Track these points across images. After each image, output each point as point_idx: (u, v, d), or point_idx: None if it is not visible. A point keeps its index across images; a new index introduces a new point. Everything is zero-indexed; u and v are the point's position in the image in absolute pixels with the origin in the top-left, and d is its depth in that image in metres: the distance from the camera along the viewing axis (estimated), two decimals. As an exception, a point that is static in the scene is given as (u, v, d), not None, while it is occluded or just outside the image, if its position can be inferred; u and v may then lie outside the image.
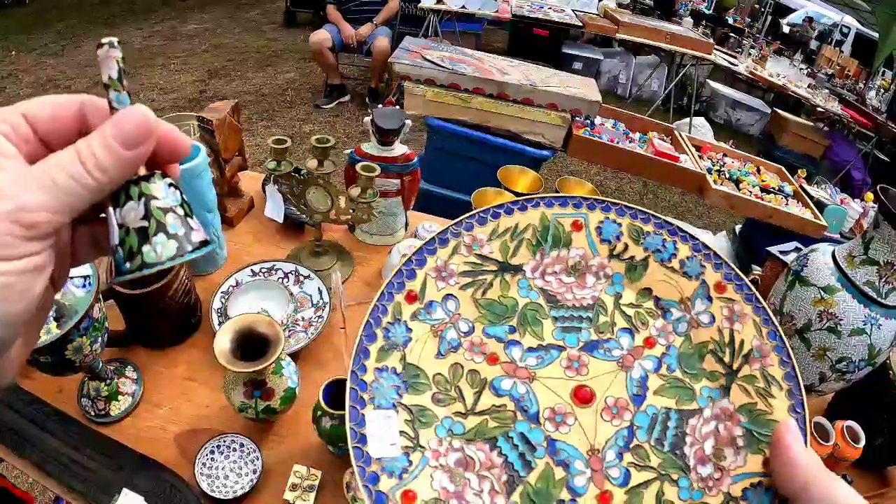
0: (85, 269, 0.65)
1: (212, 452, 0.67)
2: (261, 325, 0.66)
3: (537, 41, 4.15)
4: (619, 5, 4.66)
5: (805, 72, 4.64)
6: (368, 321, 0.36)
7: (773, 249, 0.98)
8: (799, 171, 2.63)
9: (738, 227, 2.59)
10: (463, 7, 3.60)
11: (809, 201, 2.25)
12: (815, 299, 0.77)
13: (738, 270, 0.37)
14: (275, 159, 0.88)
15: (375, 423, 0.33)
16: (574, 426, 0.36)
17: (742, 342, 0.36)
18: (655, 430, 0.36)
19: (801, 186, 2.36)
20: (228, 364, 0.61)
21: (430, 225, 1.12)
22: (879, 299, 0.74)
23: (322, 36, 3.36)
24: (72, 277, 0.64)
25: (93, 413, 0.72)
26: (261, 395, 0.66)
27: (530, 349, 0.39)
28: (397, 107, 0.97)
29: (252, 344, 0.66)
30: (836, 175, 4.01)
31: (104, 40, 0.24)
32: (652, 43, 3.77)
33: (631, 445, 0.36)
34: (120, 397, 0.74)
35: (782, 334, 0.35)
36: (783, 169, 2.45)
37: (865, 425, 0.85)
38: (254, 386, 0.66)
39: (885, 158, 4.51)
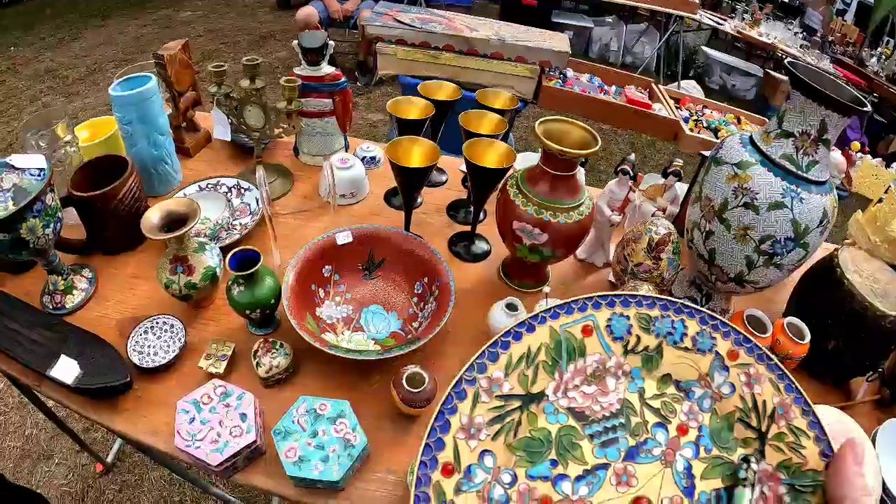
0: (41, 162, 0.71)
1: (145, 332, 0.73)
2: (181, 206, 0.72)
3: (527, 11, 4.15)
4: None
5: (800, 35, 4.56)
6: None
7: (706, 152, 0.98)
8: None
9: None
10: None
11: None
12: (728, 175, 0.77)
13: (744, 332, 0.38)
14: (215, 83, 0.94)
15: None
16: None
17: (765, 402, 0.37)
18: None
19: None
20: (150, 234, 0.66)
21: (368, 145, 1.16)
22: (799, 172, 0.73)
23: (308, 11, 3.39)
24: (29, 169, 0.70)
25: (51, 306, 0.79)
26: (183, 271, 0.72)
27: (578, 478, 0.38)
28: (322, 29, 1.05)
29: (178, 226, 0.71)
30: (832, 135, 3.94)
31: None
32: (633, 3, 3.75)
33: None
34: (75, 291, 0.80)
35: (796, 383, 0.36)
36: (766, 119, 2.43)
37: (819, 328, 0.82)
38: (177, 262, 0.72)
39: (883, 120, 4.43)
